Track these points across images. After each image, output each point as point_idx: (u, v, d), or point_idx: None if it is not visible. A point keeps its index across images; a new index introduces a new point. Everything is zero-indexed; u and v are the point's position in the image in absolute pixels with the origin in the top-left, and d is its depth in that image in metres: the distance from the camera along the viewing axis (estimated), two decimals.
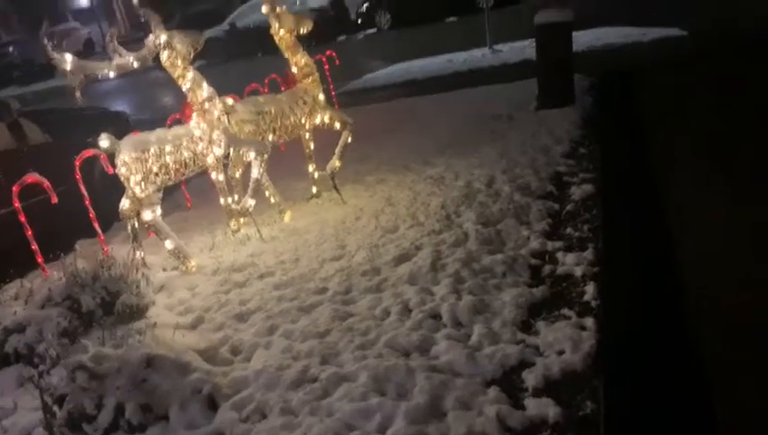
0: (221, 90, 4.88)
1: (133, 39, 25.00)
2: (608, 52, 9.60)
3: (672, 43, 9.30)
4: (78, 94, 4.33)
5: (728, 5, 10.56)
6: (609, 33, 10.38)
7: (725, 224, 4.25)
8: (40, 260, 4.71)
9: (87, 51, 30.84)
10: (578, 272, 3.73)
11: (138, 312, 3.96)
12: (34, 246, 4.69)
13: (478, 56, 11.11)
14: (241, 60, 18.15)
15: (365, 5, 18.66)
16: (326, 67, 8.33)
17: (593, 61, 8.92)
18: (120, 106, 15.58)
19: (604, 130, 6.20)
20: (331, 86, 8.73)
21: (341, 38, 18.33)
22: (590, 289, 3.52)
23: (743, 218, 4.26)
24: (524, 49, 10.62)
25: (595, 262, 3.81)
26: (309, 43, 5.45)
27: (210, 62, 17.95)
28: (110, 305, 3.98)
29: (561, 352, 3.05)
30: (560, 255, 3.98)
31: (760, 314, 3.29)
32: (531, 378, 2.90)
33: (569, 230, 4.32)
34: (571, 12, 7.15)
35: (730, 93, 6.58)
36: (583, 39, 9.78)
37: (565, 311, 3.41)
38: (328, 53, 8.55)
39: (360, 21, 18.69)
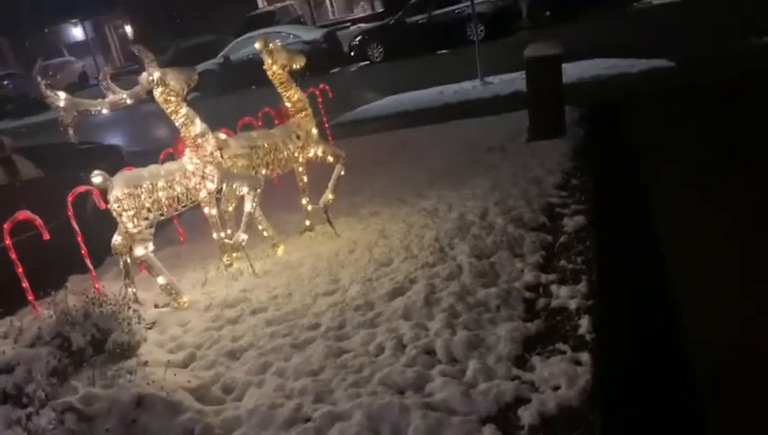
0: (214, 122, 4.91)
1: (127, 71, 25.17)
2: (597, 83, 9.71)
3: (660, 74, 9.43)
4: (71, 131, 4.34)
5: (713, 38, 10.77)
6: (598, 65, 10.51)
7: (714, 253, 4.27)
8: (30, 298, 4.66)
9: (81, 83, 31.05)
10: (572, 305, 3.72)
11: (129, 349, 3.91)
12: (25, 284, 4.64)
13: (469, 88, 11.22)
14: (234, 92, 18.28)
15: (358, 39, 18.90)
16: (319, 100, 8.39)
17: (583, 92, 9.02)
18: (113, 138, 15.60)
19: (595, 161, 6.25)
20: (325, 118, 8.78)
21: (335, 70, 18.51)
22: (584, 323, 3.51)
23: (731, 247, 4.29)
24: (515, 81, 10.73)
25: (589, 295, 3.81)
26: (303, 74, 5.49)
27: (204, 94, 18.07)
28: (101, 343, 3.93)
29: (556, 388, 3.03)
30: (554, 287, 3.98)
31: (751, 346, 3.29)
32: (526, 415, 2.88)
33: (562, 262, 4.32)
34: (561, 45, 7.26)
35: (717, 123, 6.66)
36: (573, 71, 9.89)
37: (560, 345, 3.39)
38: (321, 86, 8.61)
39: (352, 53, 18.90)
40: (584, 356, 3.21)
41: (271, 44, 5.32)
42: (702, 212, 4.90)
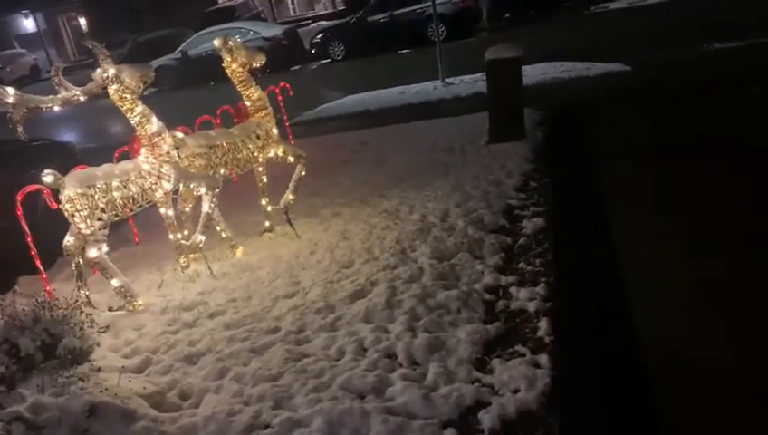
0: (172, 118, 4.80)
1: (81, 65, 24.49)
2: (555, 86, 9.85)
3: (616, 77, 9.61)
4: (20, 129, 4.18)
5: (669, 44, 11.05)
6: (556, 68, 10.65)
7: (670, 252, 4.37)
8: None
9: (33, 76, 30.10)
10: (531, 307, 3.76)
11: (81, 355, 3.78)
12: None
13: (430, 89, 11.24)
14: (192, 88, 17.96)
15: (319, 36, 18.78)
16: (279, 98, 8.30)
17: (541, 95, 9.13)
18: (65, 135, 15.15)
19: (554, 163, 6.33)
20: (285, 117, 8.69)
21: (295, 68, 18.35)
22: (543, 325, 3.55)
23: (687, 246, 4.40)
24: (476, 82, 10.81)
25: (548, 297, 3.85)
26: (263, 72, 5.42)
27: (160, 90, 17.71)
28: (52, 349, 3.78)
29: (516, 391, 3.06)
30: (513, 290, 4.02)
31: (707, 348, 3.38)
32: (487, 419, 2.89)
33: (521, 264, 4.37)
34: (521, 47, 7.34)
35: (672, 126, 6.85)
36: (531, 73, 10.01)
37: (519, 348, 3.43)
38: (281, 84, 8.51)
39: (313, 51, 18.78)
40: (543, 359, 3.25)
41: (230, 42, 5.23)
42: (658, 213, 5.01)
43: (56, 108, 4.37)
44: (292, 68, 18.18)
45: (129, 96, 4.50)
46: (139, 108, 4.57)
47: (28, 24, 36.10)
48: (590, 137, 7.21)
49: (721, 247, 4.31)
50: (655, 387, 3.15)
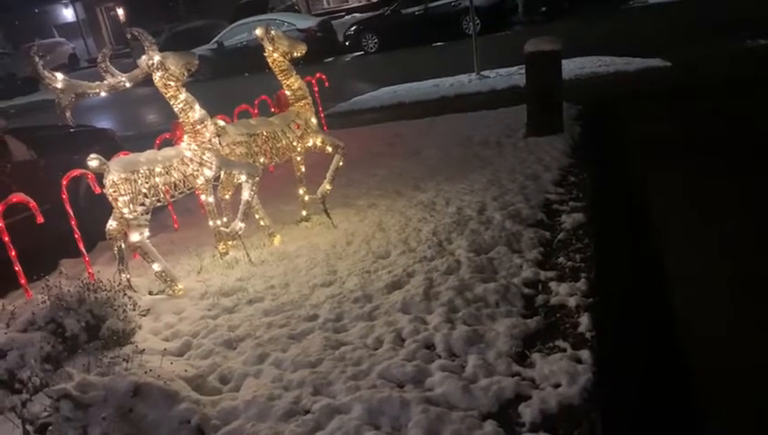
0: (207, 108, 4.84)
1: (118, 54, 24.88)
2: (593, 80, 9.72)
3: (655, 73, 9.45)
4: (68, 114, 4.26)
5: (709, 39, 10.81)
6: (594, 62, 10.51)
7: (713, 248, 4.29)
8: (23, 282, 4.59)
9: (71, 65, 30.71)
10: (571, 303, 3.71)
11: (124, 337, 3.86)
12: (18, 267, 4.56)
13: (465, 81, 11.19)
14: (227, 79, 18.15)
15: (353, 28, 18.81)
16: (315, 89, 8.33)
17: (579, 89, 9.01)
18: (104, 122, 15.43)
19: (592, 158, 6.25)
20: (320, 108, 8.72)
21: (329, 59, 18.41)
22: (584, 320, 3.51)
23: (729, 241, 4.31)
24: (512, 75, 10.72)
25: (588, 293, 3.80)
26: (296, 63, 5.44)
27: (196, 79, 17.91)
28: (96, 330, 3.87)
29: (557, 386, 3.02)
30: (553, 284, 3.96)
31: (747, 344, 3.31)
32: (527, 412, 2.86)
33: (561, 259, 4.31)
34: (561, 40, 7.24)
35: (712, 122, 6.71)
36: (569, 67, 9.87)
37: (560, 343, 3.38)
38: (318, 75, 8.55)
39: (347, 43, 18.82)
40: (585, 354, 3.21)
41: (272, 31, 5.25)
42: (699, 208, 4.92)
43: (103, 93, 4.45)
44: (326, 60, 18.23)
45: (173, 83, 4.55)
46: (183, 95, 4.62)
47: (67, 13, 36.80)
48: (629, 132, 7.10)
49: (766, 244, 4.22)
50: (697, 384, 3.10)
